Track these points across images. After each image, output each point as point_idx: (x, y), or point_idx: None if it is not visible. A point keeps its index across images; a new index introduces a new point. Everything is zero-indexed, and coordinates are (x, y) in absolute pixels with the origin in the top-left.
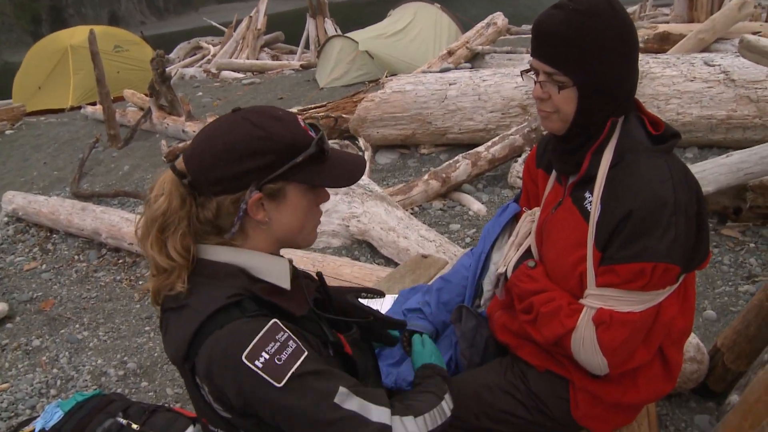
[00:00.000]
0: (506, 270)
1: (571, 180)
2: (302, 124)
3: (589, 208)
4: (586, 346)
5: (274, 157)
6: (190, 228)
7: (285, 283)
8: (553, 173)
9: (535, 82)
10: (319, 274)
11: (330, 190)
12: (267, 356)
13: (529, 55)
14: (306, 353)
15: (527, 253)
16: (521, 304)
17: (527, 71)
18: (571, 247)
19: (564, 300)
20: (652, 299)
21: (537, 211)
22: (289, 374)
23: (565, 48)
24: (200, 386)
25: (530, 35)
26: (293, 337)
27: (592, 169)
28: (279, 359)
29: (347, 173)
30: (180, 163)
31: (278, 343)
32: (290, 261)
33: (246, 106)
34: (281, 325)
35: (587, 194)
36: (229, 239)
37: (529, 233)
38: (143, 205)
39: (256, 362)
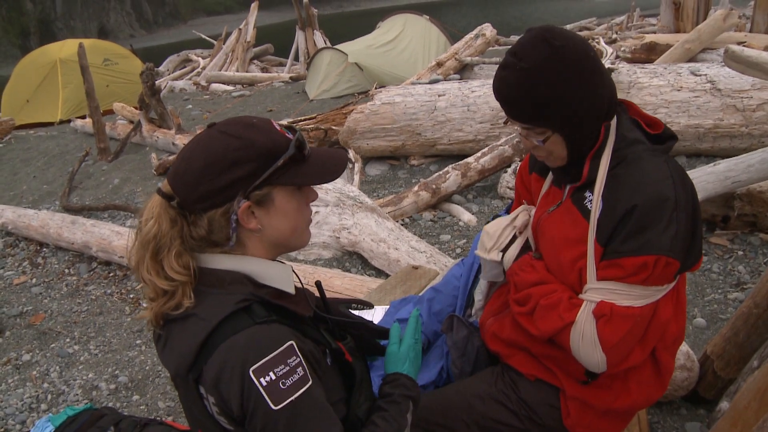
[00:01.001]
0: (502, 258)
1: (570, 185)
2: (278, 127)
3: (589, 206)
4: (585, 340)
5: (255, 164)
6: (185, 246)
7: (289, 287)
8: (549, 176)
9: (521, 135)
10: (318, 284)
11: (320, 199)
12: (273, 377)
13: None
14: (310, 383)
15: (526, 246)
16: (517, 294)
17: (507, 121)
18: (570, 244)
19: (565, 294)
20: (652, 295)
21: (532, 208)
22: (287, 401)
23: (527, 108)
24: (205, 397)
25: None
26: (303, 363)
27: (592, 173)
28: (283, 383)
29: (330, 168)
30: (165, 185)
31: (287, 368)
32: (291, 268)
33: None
34: (296, 348)
35: (587, 194)
36: (228, 251)
37: (527, 225)
38: (134, 233)
39: (262, 379)
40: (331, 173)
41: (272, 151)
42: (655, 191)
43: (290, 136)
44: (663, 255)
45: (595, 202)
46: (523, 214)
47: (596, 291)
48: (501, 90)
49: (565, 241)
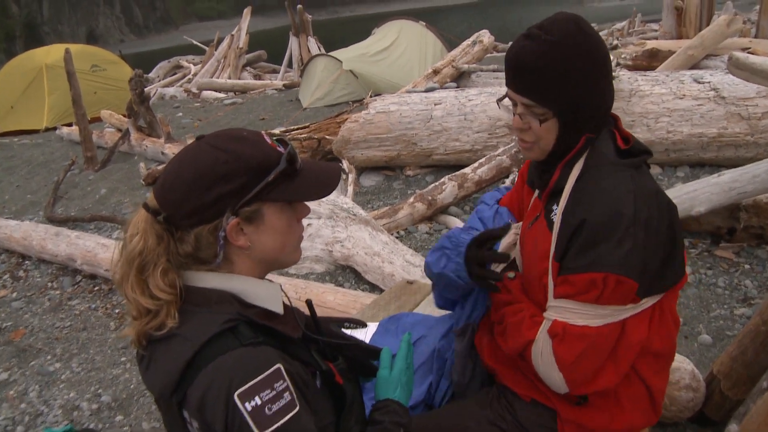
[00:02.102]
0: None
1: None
2: (269, 140)
3: (554, 219)
4: (544, 359)
5: (245, 178)
6: (171, 263)
7: (278, 307)
8: (536, 190)
9: (514, 114)
10: (309, 302)
11: (312, 211)
12: (259, 401)
13: None
14: (297, 409)
15: (512, 264)
16: (496, 315)
17: (502, 99)
18: (539, 259)
19: (528, 312)
20: (611, 315)
21: (520, 225)
22: (273, 427)
23: (542, 80)
24: (188, 422)
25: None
26: (291, 388)
27: (561, 181)
28: (269, 408)
29: (322, 183)
30: (151, 200)
31: (274, 392)
32: (281, 286)
33: (225, 128)
34: (283, 372)
35: (554, 206)
36: (215, 268)
37: (514, 244)
38: (119, 248)
39: (247, 404)
40: (323, 188)
41: (263, 165)
42: (607, 207)
43: (281, 149)
44: (612, 273)
45: (558, 215)
46: (508, 236)
47: (553, 309)
48: (520, 56)
49: (536, 255)
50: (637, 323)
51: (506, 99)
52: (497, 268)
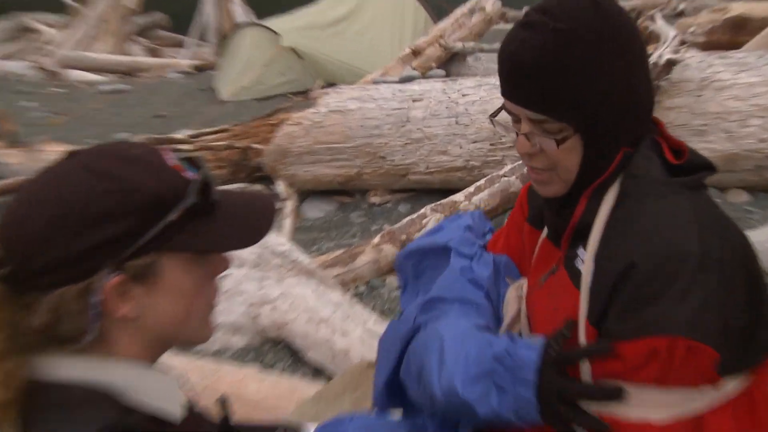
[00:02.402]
0: None
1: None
2: (172, 161)
3: (580, 267)
4: None
5: (134, 218)
6: (13, 342)
7: (175, 408)
8: (544, 230)
9: (517, 134)
10: (222, 401)
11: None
12: None
13: None
14: None
15: None
16: None
17: (497, 114)
18: (559, 326)
19: None
20: (680, 403)
21: (524, 283)
22: None
23: (553, 85)
24: None
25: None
26: None
27: (588, 215)
28: None
29: (249, 226)
30: None
31: None
32: (182, 376)
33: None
34: None
35: (579, 250)
36: (84, 349)
37: (518, 312)
38: None
39: None
40: (251, 233)
41: (161, 198)
42: (665, 243)
43: (190, 174)
44: (680, 336)
45: (587, 261)
46: (511, 302)
47: None
48: (518, 54)
49: (555, 322)
50: (718, 418)
51: (503, 114)
52: None
